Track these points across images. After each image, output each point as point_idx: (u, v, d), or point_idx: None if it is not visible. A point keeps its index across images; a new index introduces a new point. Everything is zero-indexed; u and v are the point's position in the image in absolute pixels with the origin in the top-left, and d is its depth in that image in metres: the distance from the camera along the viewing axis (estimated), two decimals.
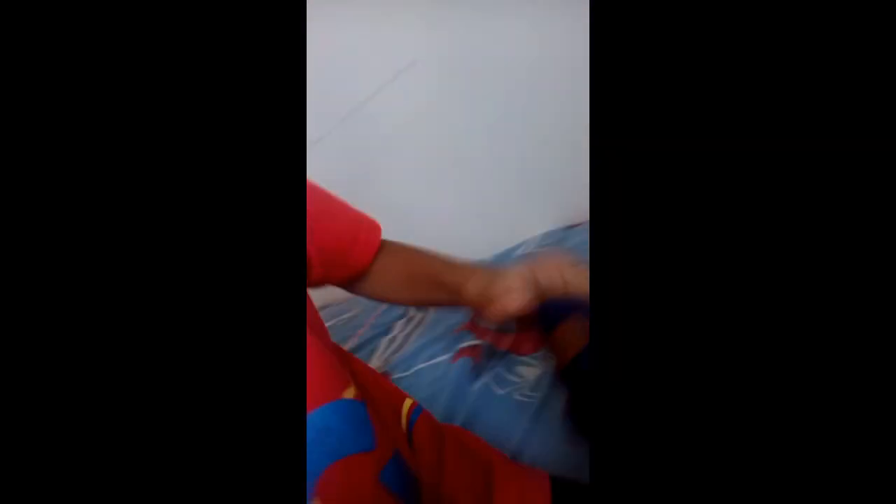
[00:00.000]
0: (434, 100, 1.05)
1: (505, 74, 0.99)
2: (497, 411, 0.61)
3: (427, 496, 0.38)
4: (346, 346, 0.93)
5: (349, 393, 0.36)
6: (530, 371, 0.67)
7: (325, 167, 0.78)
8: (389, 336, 0.91)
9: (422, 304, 0.78)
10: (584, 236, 1.01)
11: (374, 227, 0.57)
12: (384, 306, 1.00)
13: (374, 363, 0.84)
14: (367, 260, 0.56)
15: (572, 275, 0.46)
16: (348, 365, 0.42)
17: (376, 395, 0.43)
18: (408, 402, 0.46)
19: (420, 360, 0.77)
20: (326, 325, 0.56)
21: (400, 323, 0.95)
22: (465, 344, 0.77)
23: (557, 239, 1.03)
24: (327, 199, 0.54)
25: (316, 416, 0.33)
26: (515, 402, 0.62)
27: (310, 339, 0.35)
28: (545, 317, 0.57)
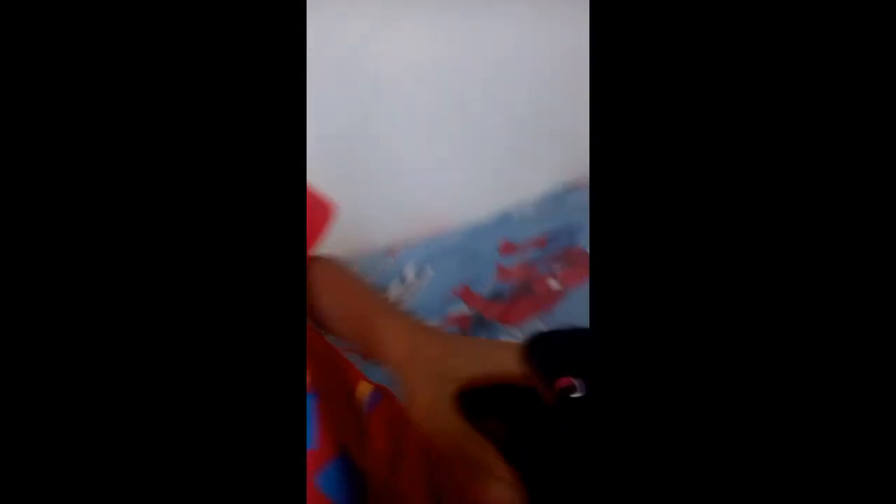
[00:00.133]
0: (434, 54, 1.00)
1: (504, 29, 0.94)
2: None
3: (374, 496, 0.35)
4: None
5: None
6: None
7: (322, 121, 0.73)
8: None
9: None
10: (582, 200, 0.98)
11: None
12: (379, 268, 0.98)
13: None
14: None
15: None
16: (309, 344, 0.38)
17: (332, 381, 0.40)
18: (365, 387, 0.43)
19: None
20: None
21: (394, 284, 0.93)
22: (455, 312, 0.75)
23: (556, 202, 1.00)
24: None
25: None
26: None
27: None
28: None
